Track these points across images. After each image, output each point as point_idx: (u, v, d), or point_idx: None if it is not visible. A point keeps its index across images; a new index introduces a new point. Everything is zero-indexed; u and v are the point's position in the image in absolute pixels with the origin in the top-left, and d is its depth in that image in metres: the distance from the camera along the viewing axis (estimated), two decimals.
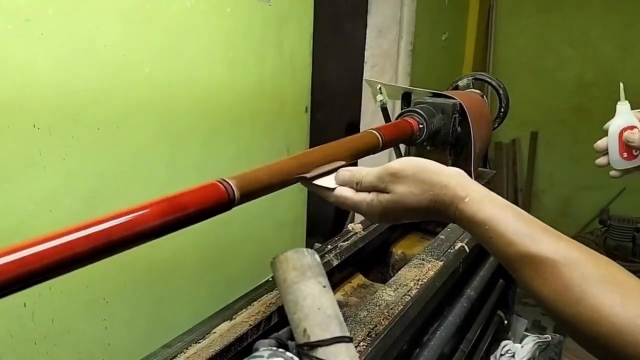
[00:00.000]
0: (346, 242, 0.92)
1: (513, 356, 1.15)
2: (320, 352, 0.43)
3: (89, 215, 0.43)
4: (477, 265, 1.04)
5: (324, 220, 2.23)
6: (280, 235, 1.73)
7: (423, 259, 0.87)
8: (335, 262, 0.86)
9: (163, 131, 1.20)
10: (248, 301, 0.70)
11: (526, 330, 1.33)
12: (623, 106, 0.91)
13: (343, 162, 0.67)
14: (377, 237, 1.01)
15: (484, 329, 1.06)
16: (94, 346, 1.13)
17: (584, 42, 3.50)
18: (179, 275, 1.33)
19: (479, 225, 0.52)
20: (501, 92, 1.29)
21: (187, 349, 0.59)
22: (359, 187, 0.61)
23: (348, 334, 0.46)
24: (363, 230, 0.99)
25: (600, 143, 0.92)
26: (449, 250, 0.92)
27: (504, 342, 1.18)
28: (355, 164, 0.89)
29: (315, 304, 0.46)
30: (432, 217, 0.58)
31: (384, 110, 1.16)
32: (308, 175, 0.60)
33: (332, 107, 2.50)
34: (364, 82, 2.45)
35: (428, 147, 1.05)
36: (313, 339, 0.44)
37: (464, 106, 1.04)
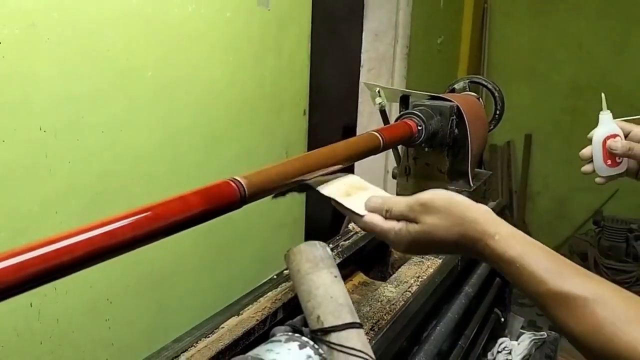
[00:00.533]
0: (347, 241, 0.94)
1: (510, 353, 1.17)
2: (333, 337, 0.46)
3: (94, 216, 0.44)
4: (475, 264, 1.07)
5: (322, 222, 2.25)
6: (279, 236, 1.75)
7: (423, 257, 0.89)
8: (337, 260, 0.88)
9: (165, 133, 1.22)
10: (255, 297, 0.72)
11: (522, 328, 1.35)
12: (605, 115, 0.95)
13: (341, 166, 0.69)
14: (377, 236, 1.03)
15: (482, 326, 1.09)
16: (97, 346, 1.15)
17: (578, 46, 3.55)
18: (181, 276, 1.35)
19: (509, 263, 0.53)
20: (497, 94, 1.32)
21: (197, 342, 0.61)
22: (388, 214, 0.61)
23: (358, 321, 0.48)
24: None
25: (585, 151, 0.96)
26: None
27: (500, 339, 1.20)
28: (352, 168, 0.91)
29: (328, 293, 0.49)
30: (458, 252, 0.59)
31: (383, 112, 1.18)
32: (309, 177, 0.62)
33: (329, 110, 2.53)
34: (360, 85, 2.48)
35: (426, 149, 1.08)
36: (326, 325, 0.47)
37: (461, 108, 1.07)
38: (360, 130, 2.49)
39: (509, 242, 0.54)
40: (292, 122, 1.71)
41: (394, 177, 1.18)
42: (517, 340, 1.23)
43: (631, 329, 0.46)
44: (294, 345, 0.45)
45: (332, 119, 2.60)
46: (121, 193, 1.12)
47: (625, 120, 0.95)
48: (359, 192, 0.68)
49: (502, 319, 1.21)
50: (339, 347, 0.45)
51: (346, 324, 0.47)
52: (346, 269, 0.96)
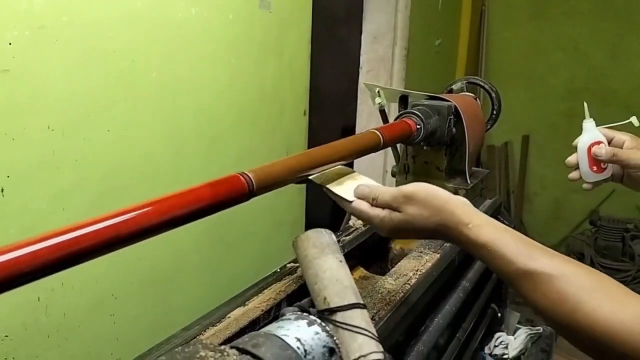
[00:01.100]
0: (348, 237, 0.97)
1: (506, 347, 1.20)
2: (338, 316, 0.49)
3: (100, 212, 0.46)
4: (472, 259, 1.09)
5: (322, 220, 2.28)
6: (279, 235, 1.78)
7: (421, 252, 0.92)
8: None
9: (169, 133, 1.25)
10: (259, 289, 0.75)
11: (519, 323, 1.38)
12: (589, 124, 0.99)
13: (342, 162, 0.74)
14: (376, 232, 1.05)
15: (479, 321, 1.11)
16: (102, 340, 1.17)
17: (574, 48, 3.58)
18: (183, 273, 1.37)
19: (481, 247, 0.58)
20: (493, 95, 1.35)
21: (205, 331, 0.64)
22: (374, 202, 0.67)
23: (362, 302, 0.51)
24: (364, 226, 1.04)
25: (571, 159, 1.00)
26: (445, 244, 0.97)
27: (497, 334, 1.23)
28: (351, 167, 0.95)
29: (334, 276, 0.52)
30: (435, 238, 0.65)
31: (382, 112, 1.21)
32: (312, 173, 0.66)
33: (329, 111, 2.55)
34: (359, 86, 2.51)
35: (425, 147, 1.11)
36: (332, 305, 0.50)
37: (459, 108, 1.10)
38: (359, 130, 2.52)
39: (482, 230, 0.59)
40: (293, 123, 1.74)
41: (393, 175, 1.21)
42: (513, 335, 1.25)
43: (591, 299, 0.50)
44: (303, 322, 0.48)
45: (332, 119, 2.63)
46: (126, 190, 1.15)
47: (607, 128, 0.99)
48: (350, 181, 0.73)
49: (499, 314, 1.24)
50: (344, 325, 0.49)
51: (351, 304, 0.50)
52: (348, 263, 0.98)
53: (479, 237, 0.58)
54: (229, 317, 0.67)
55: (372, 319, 0.68)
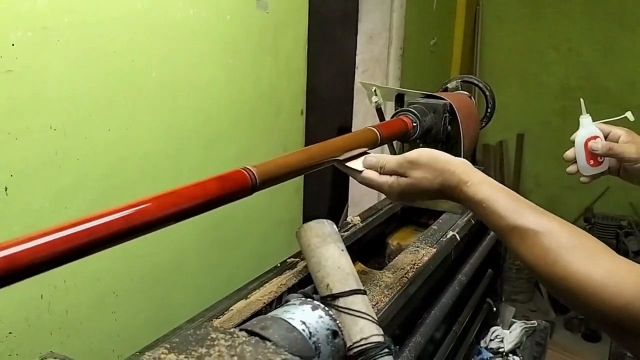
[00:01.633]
0: (346, 233, 0.99)
1: (502, 341, 1.22)
2: (340, 301, 0.52)
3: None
4: (468, 254, 1.12)
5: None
6: (277, 234, 1.79)
7: (418, 246, 0.94)
8: None
9: (168, 132, 1.26)
10: (260, 283, 0.77)
11: (514, 317, 1.40)
12: (585, 119, 1.02)
13: (367, 149, 0.80)
14: (374, 228, 1.08)
15: (475, 314, 1.13)
16: (104, 337, 1.18)
17: (568, 47, 3.61)
18: (183, 271, 1.38)
19: (477, 204, 0.63)
20: (488, 93, 1.37)
21: (209, 322, 0.65)
22: (382, 170, 0.73)
23: (363, 288, 0.54)
24: (361, 222, 1.06)
25: (569, 153, 1.04)
26: (441, 239, 0.99)
27: (493, 328, 1.25)
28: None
29: (336, 264, 0.54)
30: (440, 197, 0.69)
31: (379, 110, 1.23)
32: (341, 157, 0.73)
33: (325, 111, 2.57)
34: (355, 86, 2.53)
35: (421, 144, 1.13)
36: (334, 291, 0.53)
37: (454, 106, 1.12)
38: (355, 130, 2.54)
39: (479, 187, 0.64)
40: (290, 123, 1.76)
41: None
42: (509, 329, 1.28)
43: (569, 254, 0.55)
44: (307, 307, 0.51)
45: (328, 119, 2.65)
46: (127, 188, 1.16)
47: (604, 122, 1.02)
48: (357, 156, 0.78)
49: (494, 309, 1.26)
50: (346, 310, 0.51)
51: (352, 290, 0.53)
52: None
53: (476, 194, 0.63)
54: (232, 309, 0.69)
55: None
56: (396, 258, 0.89)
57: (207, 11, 1.31)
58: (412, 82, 2.65)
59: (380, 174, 0.73)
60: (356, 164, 0.75)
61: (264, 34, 1.54)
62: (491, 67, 3.82)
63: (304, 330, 0.48)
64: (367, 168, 0.74)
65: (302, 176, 1.75)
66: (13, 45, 0.90)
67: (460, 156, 1.17)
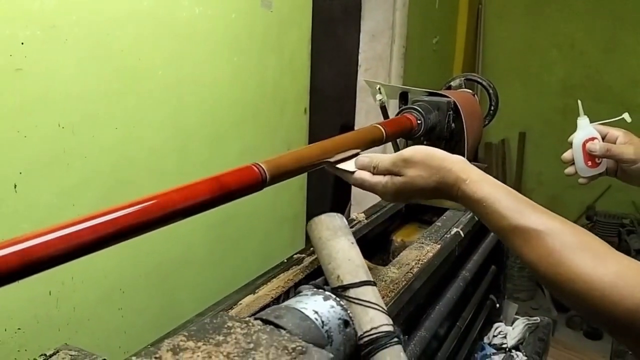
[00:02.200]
0: (351, 229, 0.99)
1: (505, 337, 1.23)
2: (351, 292, 0.53)
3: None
4: (471, 251, 1.13)
5: None
6: (281, 230, 1.80)
7: (422, 243, 0.95)
8: None
9: (174, 130, 1.28)
10: (268, 278, 0.78)
11: (517, 314, 1.41)
12: (583, 120, 1.03)
13: (359, 150, 0.77)
14: (378, 225, 1.09)
15: (478, 310, 1.14)
16: (111, 333, 1.19)
17: (570, 45, 3.62)
18: (188, 268, 1.40)
19: (477, 202, 0.61)
20: (491, 91, 1.38)
21: None
22: (375, 170, 0.70)
23: (372, 279, 0.55)
24: (366, 219, 1.07)
25: (567, 155, 1.04)
26: (445, 235, 1.00)
27: (496, 324, 1.26)
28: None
29: (346, 256, 0.55)
30: (437, 196, 0.66)
31: (383, 108, 1.24)
32: (332, 159, 0.69)
33: (328, 109, 2.58)
34: (358, 84, 2.54)
35: (425, 142, 1.13)
36: (345, 282, 0.54)
37: (458, 104, 1.12)
38: (357, 128, 2.54)
39: (478, 185, 0.61)
40: (294, 120, 1.77)
41: None
42: (511, 325, 1.29)
43: (573, 255, 0.53)
44: (319, 297, 0.52)
45: (331, 117, 2.66)
46: (133, 186, 1.18)
47: (601, 124, 1.02)
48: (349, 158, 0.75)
49: (497, 305, 1.27)
50: (356, 301, 0.53)
51: (362, 281, 0.54)
52: None
53: (475, 192, 0.61)
54: (241, 303, 0.70)
55: None
56: (401, 254, 0.90)
57: (212, 10, 1.32)
58: (414, 80, 2.66)
59: (374, 174, 0.70)
60: (348, 165, 0.73)
61: (268, 33, 1.55)
62: (493, 65, 3.83)
63: (316, 319, 0.49)
64: (359, 169, 0.71)
65: (306, 174, 1.76)
66: (22, 43, 0.92)
67: (464, 154, 1.18)
